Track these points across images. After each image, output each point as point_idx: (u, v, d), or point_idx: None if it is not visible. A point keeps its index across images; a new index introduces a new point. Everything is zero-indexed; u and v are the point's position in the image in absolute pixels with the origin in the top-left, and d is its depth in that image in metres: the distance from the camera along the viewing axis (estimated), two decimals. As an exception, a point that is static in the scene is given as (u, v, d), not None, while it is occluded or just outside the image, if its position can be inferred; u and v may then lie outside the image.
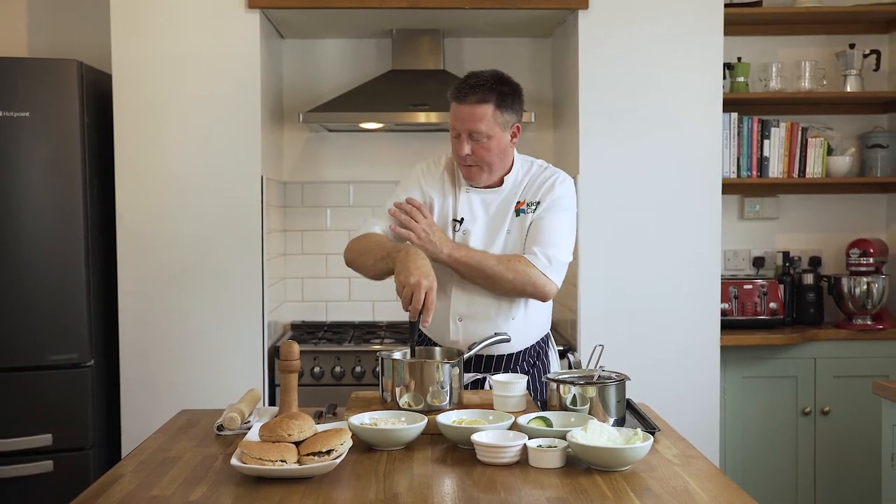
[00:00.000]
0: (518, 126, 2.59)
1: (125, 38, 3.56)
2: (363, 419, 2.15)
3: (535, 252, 2.53)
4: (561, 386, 2.23)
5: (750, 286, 4.17)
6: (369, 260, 2.53)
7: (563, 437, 1.98)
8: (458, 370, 2.31)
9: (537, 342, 2.73)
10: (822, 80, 4.29)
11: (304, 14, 3.77)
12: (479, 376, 2.61)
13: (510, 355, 2.66)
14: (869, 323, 4.14)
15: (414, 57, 4.11)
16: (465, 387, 2.56)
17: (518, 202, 2.61)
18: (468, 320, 2.60)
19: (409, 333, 2.38)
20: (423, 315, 2.32)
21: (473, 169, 2.56)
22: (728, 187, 4.16)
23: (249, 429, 2.19)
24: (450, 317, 2.62)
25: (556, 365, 2.81)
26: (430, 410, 2.24)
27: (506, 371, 2.63)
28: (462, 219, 2.60)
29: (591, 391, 2.20)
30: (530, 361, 2.70)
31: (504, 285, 2.54)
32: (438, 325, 2.65)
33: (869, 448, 3.88)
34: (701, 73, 3.72)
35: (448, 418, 2.15)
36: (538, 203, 2.60)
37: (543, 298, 2.59)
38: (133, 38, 3.56)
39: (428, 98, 3.86)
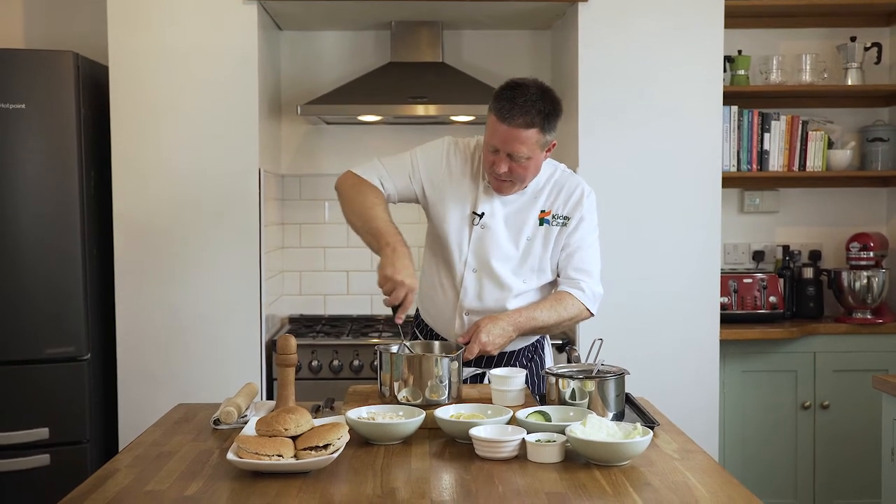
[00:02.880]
0: (554, 143, 2.50)
1: (122, 29, 3.54)
2: (361, 413, 2.14)
3: (582, 288, 2.60)
4: (560, 380, 2.22)
5: (749, 280, 4.16)
6: (357, 220, 2.52)
7: (562, 432, 1.98)
8: (456, 364, 2.29)
9: (535, 339, 2.71)
10: (822, 73, 4.28)
11: (302, 6, 3.75)
12: (479, 371, 2.60)
13: (511, 352, 2.65)
14: (869, 317, 4.13)
15: (413, 49, 4.09)
16: (465, 381, 2.55)
17: (543, 210, 2.58)
18: (475, 315, 2.58)
19: (400, 332, 2.43)
20: (398, 312, 2.35)
21: (506, 184, 2.51)
22: (728, 181, 4.15)
23: (246, 423, 2.18)
24: (457, 311, 2.61)
25: (550, 359, 2.79)
26: (429, 405, 2.23)
27: (506, 366, 2.61)
28: (482, 213, 2.57)
29: (591, 385, 2.18)
30: (528, 356, 2.69)
31: (561, 329, 2.65)
32: (445, 318, 2.64)
33: (868, 442, 3.88)
34: (701, 65, 3.70)
35: (446, 413, 2.13)
36: (567, 218, 2.58)
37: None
38: (130, 29, 3.54)
39: (427, 90, 3.85)
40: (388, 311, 4.20)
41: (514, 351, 2.65)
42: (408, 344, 2.41)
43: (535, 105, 2.39)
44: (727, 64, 4.17)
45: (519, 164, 2.44)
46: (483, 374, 2.61)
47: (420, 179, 2.61)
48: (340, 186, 2.64)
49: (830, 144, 4.29)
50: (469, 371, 2.56)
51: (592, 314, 2.64)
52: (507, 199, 2.57)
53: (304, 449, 1.87)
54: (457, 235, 2.58)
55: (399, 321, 2.37)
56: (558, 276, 2.63)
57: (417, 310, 2.80)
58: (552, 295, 2.61)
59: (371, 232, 2.46)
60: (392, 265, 2.34)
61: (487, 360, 2.60)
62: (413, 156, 2.63)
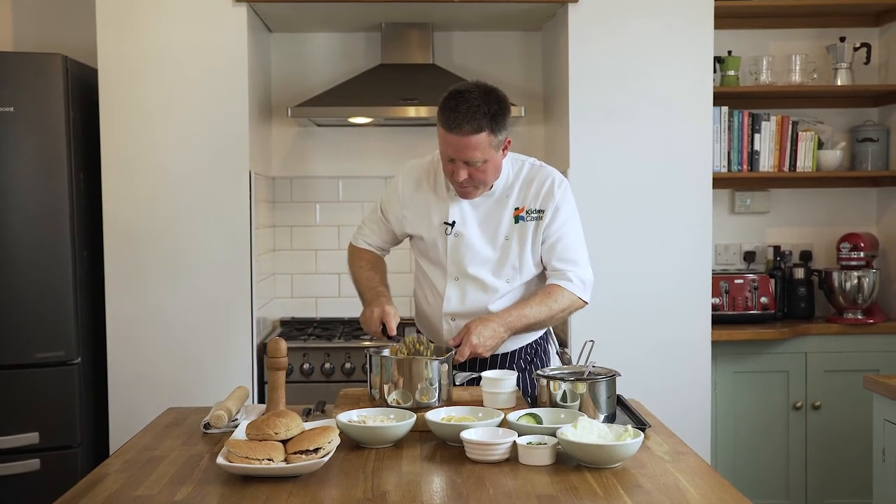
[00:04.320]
0: (509, 140, 2.52)
1: (111, 32, 3.53)
2: (351, 416, 2.13)
3: (570, 278, 2.59)
4: (551, 382, 2.22)
5: (741, 281, 4.16)
6: (355, 287, 2.78)
7: (553, 434, 1.97)
8: (446, 367, 2.29)
9: (535, 339, 2.71)
10: (812, 73, 4.29)
11: (292, 8, 3.74)
12: (475, 375, 2.59)
13: (505, 354, 2.64)
14: (860, 317, 4.14)
15: (403, 51, 4.09)
16: (461, 384, 2.54)
17: (516, 208, 2.58)
18: (461, 319, 2.58)
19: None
20: (387, 330, 2.49)
21: (469, 189, 2.53)
22: (719, 181, 4.16)
23: (237, 427, 2.17)
24: (442, 316, 2.61)
25: (556, 362, 2.78)
26: (419, 407, 2.22)
27: (504, 368, 2.61)
28: (454, 222, 2.58)
29: (582, 387, 2.18)
30: (527, 359, 2.69)
31: (555, 322, 2.64)
32: (432, 323, 2.67)
33: (860, 442, 3.88)
34: (691, 66, 3.71)
35: (437, 415, 2.13)
36: (541, 211, 2.58)
37: None
38: (119, 32, 3.53)
39: (417, 92, 3.84)
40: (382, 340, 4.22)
41: (513, 351, 2.65)
42: (404, 339, 2.43)
43: (480, 109, 2.40)
44: (717, 64, 4.18)
45: (477, 169, 2.46)
46: (479, 379, 2.61)
47: (390, 220, 2.73)
48: (348, 257, 2.84)
49: (820, 145, 4.30)
50: (465, 376, 2.55)
51: (586, 302, 2.63)
52: (477, 202, 2.59)
53: (295, 453, 1.87)
54: (433, 248, 2.63)
55: (392, 333, 2.46)
56: (545, 269, 2.63)
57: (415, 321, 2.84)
58: (541, 290, 2.61)
59: (359, 295, 2.71)
60: (365, 311, 2.57)
61: (483, 362, 2.60)
62: (381, 202, 2.77)
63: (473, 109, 2.39)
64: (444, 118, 2.42)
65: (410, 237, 2.72)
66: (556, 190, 2.59)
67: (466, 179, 2.47)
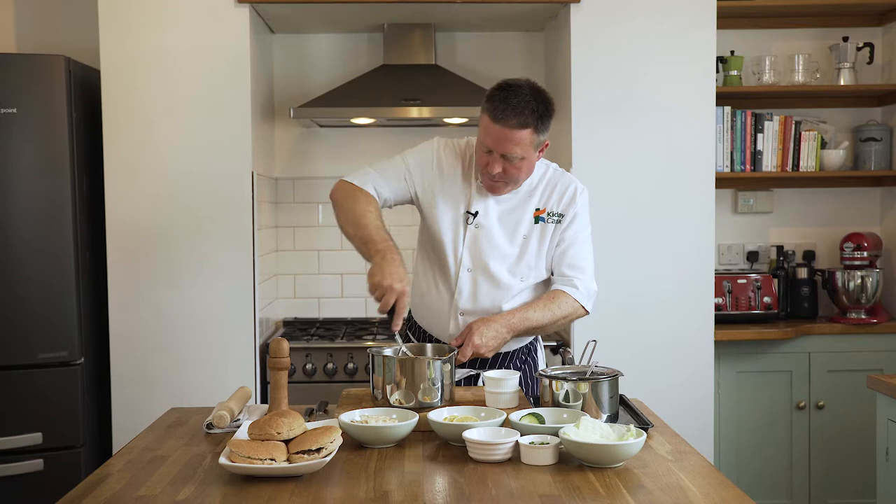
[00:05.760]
0: (547, 143, 2.51)
1: (113, 33, 3.53)
2: (354, 416, 2.13)
3: (576, 285, 2.59)
4: (553, 382, 2.22)
5: (744, 280, 4.16)
6: (350, 228, 2.53)
7: (556, 434, 1.97)
8: (449, 367, 2.29)
9: (529, 340, 2.71)
10: (815, 73, 4.28)
11: (295, 8, 3.74)
12: (474, 372, 2.59)
13: (505, 354, 2.64)
14: (863, 317, 4.13)
15: (405, 51, 4.09)
16: (459, 383, 2.54)
17: (538, 208, 2.58)
18: (469, 316, 2.58)
19: (396, 339, 2.40)
20: (393, 319, 2.33)
21: (499, 184, 2.52)
22: (722, 181, 4.16)
23: (239, 427, 2.17)
24: (451, 312, 2.60)
25: (543, 361, 2.79)
26: (422, 407, 2.22)
27: (500, 368, 2.61)
28: (476, 212, 2.57)
29: (584, 387, 2.18)
30: (522, 358, 2.69)
31: (556, 328, 2.64)
32: (439, 319, 2.63)
33: (863, 442, 3.88)
34: (694, 66, 3.70)
35: (439, 415, 2.13)
36: (561, 215, 2.58)
37: None
38: (121, 33, 3.53)
39: (420, 93, 3.84)
40: (383, 314, 4.23)
41: (509, 352, 2.65)
42: (405, 348, 2.40)
43: (529, 105, 2.39)
44: (720, 64, 4.18)
45: (512, 165, 2.44)
46: (477, 376, 2.61)
47: (413, 181, 2.60)
48: (334, 196, 2.62)
49: (823, 144, 4.30)
50: (463, 372, 2.56)
51: (588, 311, 2.63)
52: (501, 197, 2.57)
53: (297, 452, 1.86)
54: (451, 235, 2.58)
55: (396, 328, 2.35)
56: (552, 273, 2.63)
57: (410, 311, 2.79)
58: (546, 294, 2.61)
59: (362, 239, 2.46)
60: (381, 271, 2.34)
61: (481, 362, 2.60)
62: (404, 158, 2.63)
63: (523, 105, 2.38)
64: (492, 108, 2.40)
65: (422, 218, 2.65)
66: (579, 197, 2.61)
67: (500, 174, 2.46)
